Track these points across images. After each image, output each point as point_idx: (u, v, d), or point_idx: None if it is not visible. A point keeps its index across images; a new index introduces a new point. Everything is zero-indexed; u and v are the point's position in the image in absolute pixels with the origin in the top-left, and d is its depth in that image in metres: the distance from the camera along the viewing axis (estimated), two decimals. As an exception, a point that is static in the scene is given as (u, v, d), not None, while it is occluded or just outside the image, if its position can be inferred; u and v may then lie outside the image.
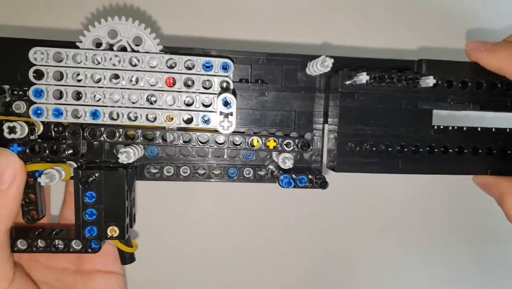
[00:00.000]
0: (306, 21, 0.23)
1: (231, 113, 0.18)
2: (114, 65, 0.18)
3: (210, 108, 0.18)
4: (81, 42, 0.18)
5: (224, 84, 0.19)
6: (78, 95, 0.18)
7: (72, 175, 0.19)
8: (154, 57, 0.18)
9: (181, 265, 0.25)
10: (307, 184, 0.19)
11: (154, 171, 0.20)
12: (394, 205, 0.27)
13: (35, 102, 0.18)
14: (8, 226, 0.17)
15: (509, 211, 0.20)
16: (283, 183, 0.19)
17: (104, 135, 0.18)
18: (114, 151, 0.20)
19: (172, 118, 0.18)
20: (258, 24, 0.22)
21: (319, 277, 0.27)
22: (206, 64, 0.18)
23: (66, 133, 0.18)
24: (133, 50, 0.18)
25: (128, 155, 0.18)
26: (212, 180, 0.21)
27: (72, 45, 0.18)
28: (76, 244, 0.19)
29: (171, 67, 0.18)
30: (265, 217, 0.26)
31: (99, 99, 0.18)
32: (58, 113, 0.18)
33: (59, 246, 0.19)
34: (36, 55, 0.18)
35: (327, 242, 0.27)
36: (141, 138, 0.18)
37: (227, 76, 0.18)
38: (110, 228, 0.18)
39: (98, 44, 0.18)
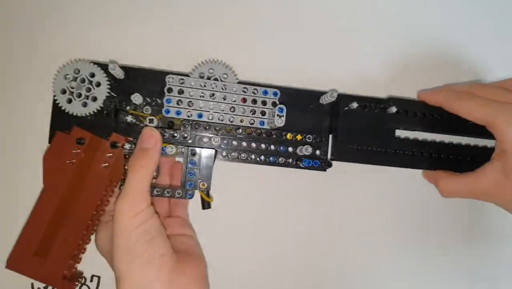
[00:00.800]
0: (317, 80, 0.36)
1: (282, 116, 0.31)
2: (212, 88, 0.31)
3: (265, 116, 0.31)
4: (191, 74, 0.31)
5: (274, 103, 0.32)
6: (189, 104, 0.31)
7: (179, 151, 0.31)
8: (234, 85, 0.31)
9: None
10: (319, 165, 0.32)
11: (225, 154, 0.32)
12: (398, 206, 0.37)
13: (163, 106, 0.31)
14: (154, 168, 0.28)
15: (442, 188, 0.32)
16: (305, 163, 0.32)
17: (203, 127, 0.31)
18: (202, 141, 0.32)
19: (243, 121, 0.31)
20: (293, 79, 0.36)
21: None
22: (264, 91, 0.31)
23: (181, 125, 0.31)
24: (221, 81, 0.31)
25: (217, 142, 0.30)
26: (260, 164, 0.33)
27: (187, 75, 0.31)
28: (178, 193, 0.31)
29: (244, 91, 0.31)
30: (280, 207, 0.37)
31: (201, 107, 0.31)
32: (178, 113, 0.31)
33: (167, 194, 0.31)
34: (168, 79, 0.31)
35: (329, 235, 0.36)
36: (224, 131, 0.31)
37: (276, 98, 0.32)
38: (201, 183, 0.31)
39: (201, 76, 0.31)
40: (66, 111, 0.30)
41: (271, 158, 0.33)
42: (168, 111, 0.30)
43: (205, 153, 0.31)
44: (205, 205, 0.32)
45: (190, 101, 0.31)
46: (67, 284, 0.29)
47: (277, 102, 0.32)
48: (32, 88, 0.33)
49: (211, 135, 0.32)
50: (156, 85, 0.31)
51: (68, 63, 0.30)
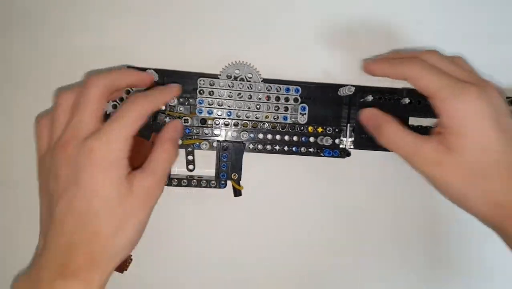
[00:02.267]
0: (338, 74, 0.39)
1: (305, 113, 0.33)
2: (239, 88, 0.34)
3: (287, 112, 0.34)
4: (220, 75, 0.34)
5: (296, 98, 0.34)
6: (219, 103, 0.34)
7: (210, 146, 0.35)
8: (259, 84, 0.34)
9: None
10: (338, 154, 0.35)
11: (252, 146, 0.36)
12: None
13: (195, 105, 0.34)
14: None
15: (386, 135, 0.30)
16: (326, 153, 0.35)
17: (232, 124, 0.34)
18: (232, 136, 0.36)
19: (268, 117, 0.34)
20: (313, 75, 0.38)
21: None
22: (287, 88, 0.34)
23: (213, 122, 0.34)
24: (247, 80, 0.34)
25: (245, 136, 0.34)
26: (284, 154, 0.36)
27: (216, 77, 0.34)
28: (212, 184, 0.35)
29: (268, 89, 0.34)
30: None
31: (230, 106, 0.34)
32: (210, 112, 0.34)
33: (203, 184, 0.35)
34: (200, 81, 0.34)
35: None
36: (251, 126, 0.34)
37: (297, 94, 0.34)
38: (233, 174, 0.34)
39: (229, 76, 0.34)
40: (112, 115, 0.33)
41: (293, 148, 0.36)
42: (201, 112, 0.34)
43: (235, 147, 0.34)
44: (237, 193, 0.35)
45: (220, 101, 0.34)
46: (121, 264, 0.34)
47: (299, 98, 0.35)
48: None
49: (240, 130, 0.35)
50: (188, 85, 0.34)
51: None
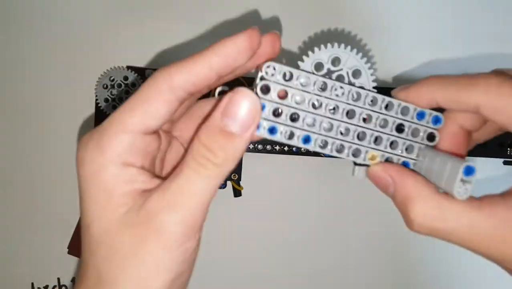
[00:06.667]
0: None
1: (470, 182, 0.16)
2: (337, 96, 0.18)
3: (411, 155, 0.19)
4: (303, 62, 0.18)
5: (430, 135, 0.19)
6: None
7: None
8: (369, 95, 0.18)
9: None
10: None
11: (252, 146, 0.35)
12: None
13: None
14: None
15: (417, 216, 0.18)
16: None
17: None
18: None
19: (375, 158, 0.19)
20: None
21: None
22: (420, 113, 0.19)
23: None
24: (349, 82, 0.19)
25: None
26: (284, 154, 0.36)
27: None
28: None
29: (386, 107, 0.19)
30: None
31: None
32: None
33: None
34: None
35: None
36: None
37: (436, 129, 0.19)
38: (233, 174, 0.34)
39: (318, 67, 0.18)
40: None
41: (293, 148, 0.36)
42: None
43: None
44: (237, 193, 0.35)
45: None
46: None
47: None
48: (76, 94, 0.36)
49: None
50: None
51: (102, 74, 0.33)
